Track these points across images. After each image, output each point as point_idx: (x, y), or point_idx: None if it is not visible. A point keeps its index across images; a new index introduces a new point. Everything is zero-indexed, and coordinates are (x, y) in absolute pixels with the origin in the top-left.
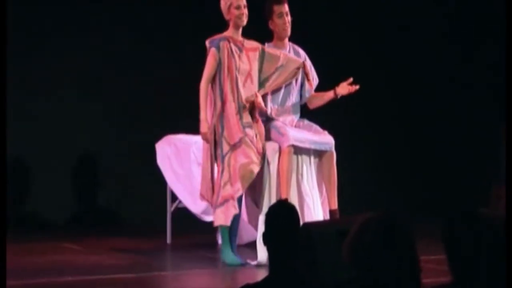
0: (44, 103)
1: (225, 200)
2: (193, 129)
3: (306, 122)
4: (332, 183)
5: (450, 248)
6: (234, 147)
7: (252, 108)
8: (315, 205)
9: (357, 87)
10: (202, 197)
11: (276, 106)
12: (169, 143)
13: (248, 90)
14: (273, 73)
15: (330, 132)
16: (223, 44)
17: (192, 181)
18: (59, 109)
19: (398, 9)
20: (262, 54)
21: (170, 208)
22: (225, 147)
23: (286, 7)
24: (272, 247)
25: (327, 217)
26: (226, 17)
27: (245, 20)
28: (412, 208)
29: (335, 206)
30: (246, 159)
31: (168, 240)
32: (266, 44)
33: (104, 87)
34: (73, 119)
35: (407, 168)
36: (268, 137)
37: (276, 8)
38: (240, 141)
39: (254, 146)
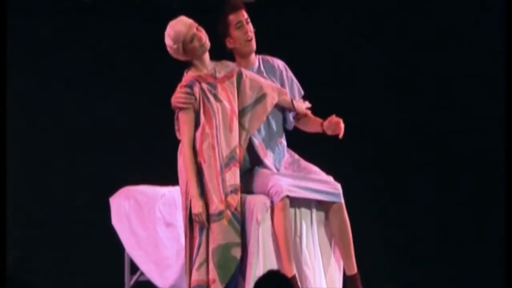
0: None
1: (199, 286)
2: (159, 178)
3: (302, 162)
4: (347, 242)
5: None
6: (211, 217)
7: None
8: (316, 278)
9: (341, 126)
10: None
11: (258, 141)
12: (127, 196)
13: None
14: (252, 105)
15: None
16: (195, 89)
17: (158, 246)
18: None
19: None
20: (239, 79)
21: (128, 281)
22: None
23: (244, 14)
24: None
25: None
26: (182, 58)
27: (205, 45)
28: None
29: (354, 270)
30: (224, 240)
31: None
32: None
33: (43, 120)
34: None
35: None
36: (252, 190)
37: (233, 17)
38: (220, 214)
39: (237, 222)
